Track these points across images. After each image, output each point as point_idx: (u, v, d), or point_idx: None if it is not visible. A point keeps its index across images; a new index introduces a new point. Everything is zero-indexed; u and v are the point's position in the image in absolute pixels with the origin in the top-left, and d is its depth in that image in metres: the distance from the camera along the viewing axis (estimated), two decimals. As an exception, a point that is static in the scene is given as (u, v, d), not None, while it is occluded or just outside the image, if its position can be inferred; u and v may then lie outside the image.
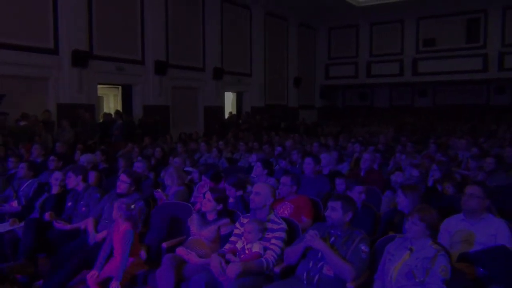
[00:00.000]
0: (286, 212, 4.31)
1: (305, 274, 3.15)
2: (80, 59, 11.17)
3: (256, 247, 3.41)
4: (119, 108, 13.33)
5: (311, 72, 21.35)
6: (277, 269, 3.33)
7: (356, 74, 20.81)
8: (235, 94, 17.87)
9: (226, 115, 16.52)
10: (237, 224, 3.69)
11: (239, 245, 3.50)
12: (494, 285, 3.11)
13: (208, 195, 3.91)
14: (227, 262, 3.37)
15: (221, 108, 16.40)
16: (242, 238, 3.52)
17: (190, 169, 6.52)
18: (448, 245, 3.46)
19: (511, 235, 3.48)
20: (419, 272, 2.82)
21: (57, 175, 5.07)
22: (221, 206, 3.89)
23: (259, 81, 17.89)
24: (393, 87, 20.82)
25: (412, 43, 19.51)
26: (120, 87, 13.75)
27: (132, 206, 3.77)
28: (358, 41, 20.87)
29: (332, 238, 3.23)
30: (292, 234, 3.64)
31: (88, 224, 4.39)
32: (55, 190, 4.98)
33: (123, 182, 4.43)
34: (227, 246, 3.59)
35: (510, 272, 3.17)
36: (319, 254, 3.16)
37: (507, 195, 5.27)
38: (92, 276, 3.58)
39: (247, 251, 3.43)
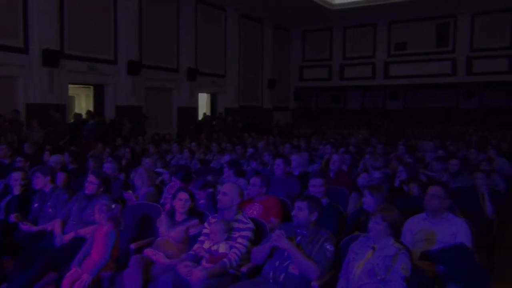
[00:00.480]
0: (255, 212, 4.35)
1: (271, 273, 3.20)
2: (50, 58, 10.98)
3: (223, 248, 3.43)
4: (91, 108, 13.15)
5: (285, 74, 21.49)
6: (244, 269, 3.36)
7: (329, 77, 21.06)
8: (209, 95, 17.85)
9: (200, 116, 16.48)
10: (206, 224, 3.71)
11: (206, 245, 3.52)
12: (453, 283, 3.22)
13: (182, 194, 3.93)
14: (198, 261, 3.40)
15: (195, 109, 16.36)
16: (208, 238, 3.54)
17: (161, 170, 6.50)
18: (410, 243, 3.56)
19: (471, 234, 3.61)
20: (381, 270, 2.90)
21: (16, 175, 4.95)
22: (192, 204, 3.93)
23: (234, 82, 17.92)
24: (366, 90, 21.15)
25: (384, 46, 19.87)
26: (92, 87, 13.56)
27: (113, 206, 3.77)
28: (331, 44, 21.13)
29: (298, 238, 3.29)
30: (260, 234, 3.68)
31: (55, 225, 4.33)
32: (16, 190, 4.88)
33: (91, 183, 4.39)
34: (196, 246, 3.60)
35: (468, 269, 3.29)
36: (285, 254, 3.21)
37: (471, 196, 5.45)
38: (72, 273, 3.53)
39: (213, 252, 3.45)
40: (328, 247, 3.20)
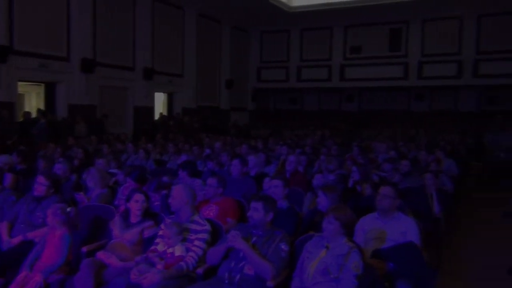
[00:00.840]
0: (211, 213, 4.33)
1: (226, 274, 3.20)
2: (-2, 54, 10.53)
3: (179, 251, 3.40)
4: (42, 106, 12.68)
5: (243, 74, 21.52)
6: (199, 270, 3.35)
7: (287, 78, 21.27)
8: (166, 94, 17.62)
9: (157, 116, 16.24)
10: (162, 226, 3.67)
11: (160, 248, 3.48)
12: (402, 280, 3.34)
13: (138, 196, 3.87)
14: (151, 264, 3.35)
15: (151, 109, 16.11)
16: (164, 241, 3.50)
17: (115, 171, 6.35)
18: (362, 242, 3.67)
19: (419, 233, 3.75)
20: (333, 269, 2.96)
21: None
22: (147, 206, 3.88)
23: (191, 82, 17.77)
24: (322, 91, 21.51)
25: (340, 50, 20.28)
26: (43, 85, 13.08)
27: (68, 209, 3.65)
28: (289, 46, 21.35)
29: (254, 238, 3.30)
30: (216, 235, 3.67)
31: (1, 228, 4.16)
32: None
33: (40, 184, 4.25)
34: (151, 250, 3.55)
35: (417, 267, 3.42)
36: (241, 254, 3.22)
37: (420, 196, 5.66)
38: (22, 277, 3.39)
39: (169, 255, 3.41)
40: (283, 247, 3.24)
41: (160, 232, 3.61)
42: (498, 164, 9.41)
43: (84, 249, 3.79)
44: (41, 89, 13.37)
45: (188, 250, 3.41)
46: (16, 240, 4.00)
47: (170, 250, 3.42)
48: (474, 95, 18.35)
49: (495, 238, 6.15)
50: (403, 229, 3.72)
